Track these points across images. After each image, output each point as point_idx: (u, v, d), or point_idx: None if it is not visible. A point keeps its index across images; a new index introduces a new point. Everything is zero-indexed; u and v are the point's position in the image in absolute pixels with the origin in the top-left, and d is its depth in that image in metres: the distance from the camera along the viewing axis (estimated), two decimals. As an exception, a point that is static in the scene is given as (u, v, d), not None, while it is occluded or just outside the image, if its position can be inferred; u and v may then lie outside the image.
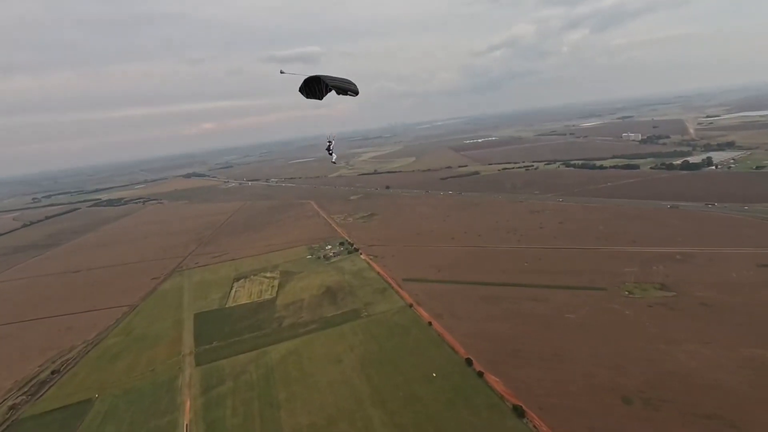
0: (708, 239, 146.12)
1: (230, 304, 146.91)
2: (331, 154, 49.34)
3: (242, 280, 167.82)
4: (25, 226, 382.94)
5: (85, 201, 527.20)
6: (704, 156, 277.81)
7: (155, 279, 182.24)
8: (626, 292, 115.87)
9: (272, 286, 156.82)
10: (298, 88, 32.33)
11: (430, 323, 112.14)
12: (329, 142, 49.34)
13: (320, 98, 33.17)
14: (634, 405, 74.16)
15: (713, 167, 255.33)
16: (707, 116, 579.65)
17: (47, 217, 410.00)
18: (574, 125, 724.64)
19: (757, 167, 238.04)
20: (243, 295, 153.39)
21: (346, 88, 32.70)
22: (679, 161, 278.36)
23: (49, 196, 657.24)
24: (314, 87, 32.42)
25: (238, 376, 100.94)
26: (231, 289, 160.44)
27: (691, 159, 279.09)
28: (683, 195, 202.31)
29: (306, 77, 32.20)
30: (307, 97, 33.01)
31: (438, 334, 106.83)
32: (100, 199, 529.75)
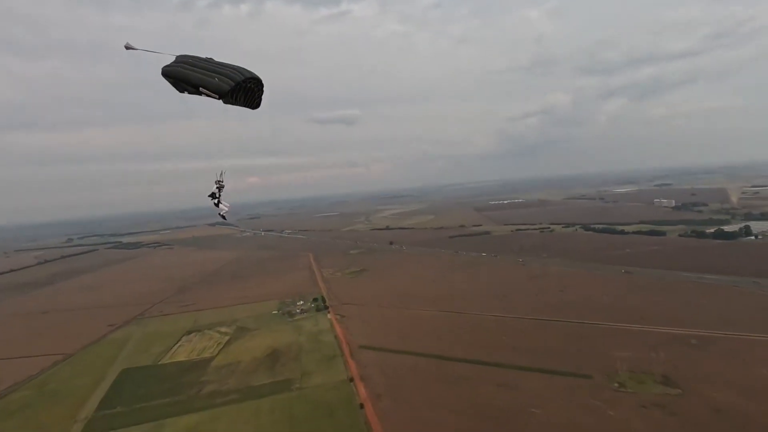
0: (735, 321, 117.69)
1: (165, 360, 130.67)
2: (218, 206, 29.35)
3: (193, 334, 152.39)
4: (39, 264, 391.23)
5: (107, 243, 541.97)
6: (742, 225, 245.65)
7: (111, 326, 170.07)
8: (617, 384, 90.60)
9: (219, 343, 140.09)
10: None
11: (362, 405, 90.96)
12: (217, 183, 28.85)
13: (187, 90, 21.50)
14: None
15: (752, 237, 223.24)
16: (753, 186, 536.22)
17: (63, 257, 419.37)
18: (606, 190, 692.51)
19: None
20: (184, 351, 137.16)
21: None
22: (712, 229, 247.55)
23: (82, 238, 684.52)
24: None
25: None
26: (176, 343, 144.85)
27: (727, 228, 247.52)
28: (712, 267, 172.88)
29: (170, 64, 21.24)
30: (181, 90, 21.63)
31: (366, 421, 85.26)
32: (121, 242, 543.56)
